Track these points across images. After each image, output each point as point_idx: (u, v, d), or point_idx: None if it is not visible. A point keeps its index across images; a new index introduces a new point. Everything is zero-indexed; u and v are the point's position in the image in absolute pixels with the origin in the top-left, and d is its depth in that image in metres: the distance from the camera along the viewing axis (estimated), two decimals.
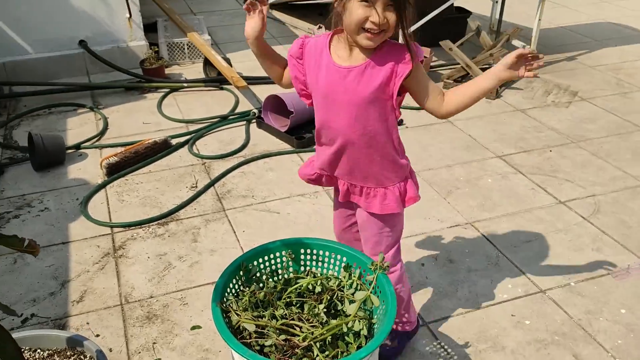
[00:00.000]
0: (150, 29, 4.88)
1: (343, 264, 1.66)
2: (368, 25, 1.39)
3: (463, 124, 3.72)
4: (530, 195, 2.96)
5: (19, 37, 4.03)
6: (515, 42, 4.65)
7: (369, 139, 1.57)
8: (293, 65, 1.59)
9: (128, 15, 4.23)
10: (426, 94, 1.55)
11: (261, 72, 4.39)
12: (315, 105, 1.60)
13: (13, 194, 2.97)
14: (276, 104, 3.58)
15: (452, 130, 3.65)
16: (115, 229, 2.71)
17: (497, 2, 4.89)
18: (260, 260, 1.66)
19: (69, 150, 3.35)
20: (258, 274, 1.67)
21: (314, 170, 1.76)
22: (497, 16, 4.88)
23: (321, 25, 5.29)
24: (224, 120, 3.71)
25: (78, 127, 3.64)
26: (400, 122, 3.71)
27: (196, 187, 3.03)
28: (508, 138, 3.55)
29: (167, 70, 4.39)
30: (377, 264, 1.54)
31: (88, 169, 3.20)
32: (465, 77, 4.28)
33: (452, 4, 4.95)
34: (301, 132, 3.48)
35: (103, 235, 2.67)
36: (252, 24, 1.54)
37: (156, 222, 2.75)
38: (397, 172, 1.65)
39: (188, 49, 4.57)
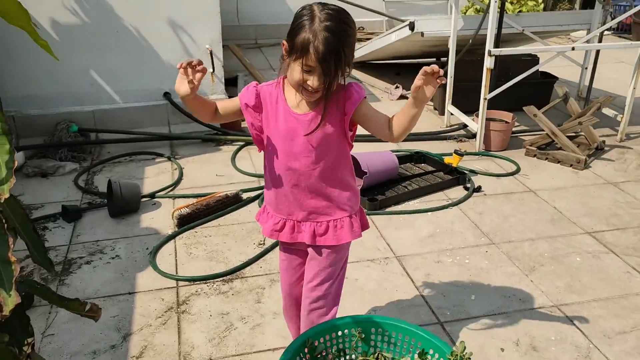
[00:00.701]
0: (231, 83, 5.02)
1: (418, 350, 1.50)
2: (307, 86, 1.54)
3: (548, 195, 3.49)
4: (625, 280, 2.69)
5: (110, 87, 4.23)
6: (606, 111, 4.41)
7: (329, 171, 1.69)
8: (249, 113, 1.68)
9: (211, 70, 4.35)
10: (375, 125, 1.66)
11: None
12: (272, 150, 1.69)
13: (88, 239, 3.02)
14: None
15: (536, 201, 3.43)
16: (181, 283, 2.67)
17: (586, 68, 4.69)
18: (327, 337, 1.54)
19: (144, 199, 3.40)
20: (324, 352, 1.54)
21: (277, 219, 1.79)
22: (586, 83, 4.67)
23: (398, 85, 5.26)
24: None
25: (155, 175, 3.72)
26: (479, 189, 3.54)
27: (264, 244, 2.97)
28: (598, 213, 3.29)
29: (243, 124, 4.45)
30: (457, 354, 1.38)
31: (160, 218, 3.22)
32: (549, 145, 4.07)
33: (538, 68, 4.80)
34: (374, 194, 3.38)
35: (168, 288, 2.64)
36: (183, 86, 1.56)
37: (221, 279, 2.70)
38: (352, 199, 1.77)
39: None
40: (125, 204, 3.21)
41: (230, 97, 4.56)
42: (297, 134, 1.64)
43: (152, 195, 3.44)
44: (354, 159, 3.40)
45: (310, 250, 1.82)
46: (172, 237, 3.03)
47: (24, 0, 3.78)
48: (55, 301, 1.39)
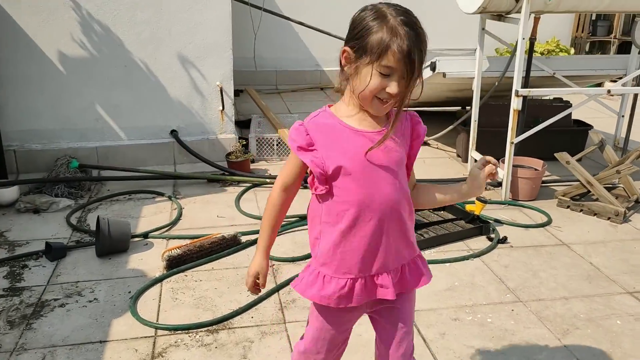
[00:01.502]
0: (245, 125, 4.83)
1: None
2: (383, 95, 1.34)
3: (582, 249, 3.11)
4: None
5: (114, 123, 4.07)
6: None
7: (408, 202, 1.47)
8: (306, 153, 1.41)
9: (221, 108, 4.17)
10: (411, 170, 1.52)
11: None
12: (346, 183, 1.41)
13: (68, 279, 2.75)
14: None
15: (569, 255, 3.05)
16: (160, 332, 2.35)
17: (622, 116, 4.36)
18: None
19: (136, 239, 3.14)
20: None
21: (342, 282, 1.46)
22: (623, 132, 4.33)
23: None
24: (303, 220, 3.38)
25: (152, 215, 3.47)
26: (504, 240, 3.18)
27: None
28: None
29: (253, 165, 4.22)
30: None
31: (150, 260, 2.94)
32: (584, 196, 3.70)
33: (570, 114, 4.49)
34: None
35: (145, 337, 2.33)
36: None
37: (205, 329, 2.37)
38: (414, 232, 1.55)
39: (277, 145, 4.42)
40: (113, 243, 2.95)
41: (240, 138, 4.36)
42: (375, 156, 1.39)
43: (145, 235, 3.18)
44: None
45: (381, 307, 1.54)
46: (159, 280, 2.74)
47: (34, 32, 3.78)
48: None
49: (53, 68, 3.85)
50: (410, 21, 1.30)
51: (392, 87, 1.31)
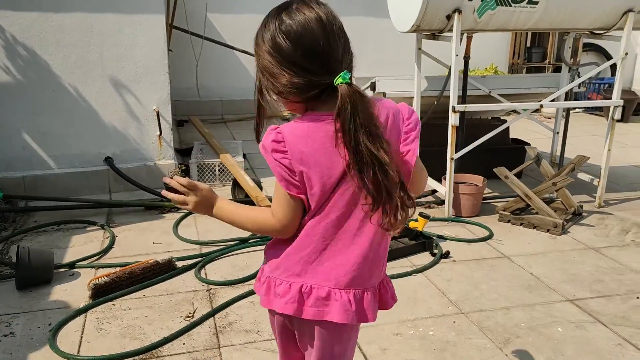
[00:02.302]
0: (188, 153, 4.70)
1: None
2: None
3: (523, 261, 3.10)
4: (616, 352, 2.25)
5: (43, 151, 3.87)
6: (582, 176, 4.12)
7: None
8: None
9: (158, 133, 4.04)
10: None
11: None
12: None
13: None
14: None
15: (510, 267, 3.03)
16: None
17: (557, 132, 4.46)
18: None
19: (61, 269, 2.94)
20: None
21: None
22: (559, 148, 4.43)
23: None
24: (243, 243, 3.26)
25: (82, 244, 3.28)
26: (447, 255, 3.14)
27: (192, 316, 2.51)
28: (580, 279, 2.89)
29: None
30: None
31: (75, 290, 2.75)
32: (524, 210, 3.73)
33: (509, 133, 4.57)
34: None
35: None
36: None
37: (131, 359, 2.20)
38: None
39: (219, 171, 4.30)
40: (34, 274, 2.75)
41: (180, 164, 4.23)
42: None
43: (71, 265, 2.98)
44: None
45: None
46: (83, 310, 2.55)
47: None
48: None
49: None
50: None
51: None
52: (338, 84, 1.18)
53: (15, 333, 2.39)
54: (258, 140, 1.31)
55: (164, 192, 1.37)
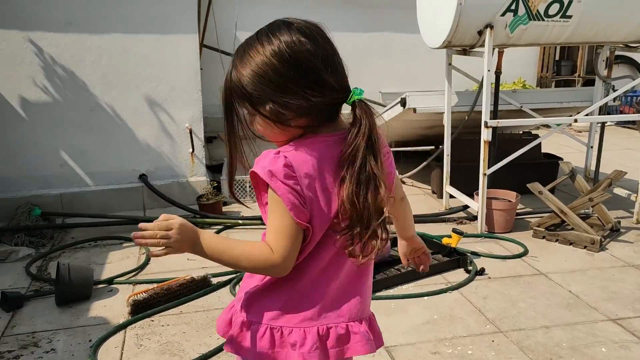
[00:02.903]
0: (218, 170, 4.76)
1: None
2: None
3: (560, 278, 3.05)
4: None
5: (80, 169, 3.96)
6: (618, 191, 4.05)
7: None
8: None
9: (191, 150, 4.10)
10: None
11: None
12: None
13: (24, 330, 2.58)
14: None
15: (547, 284, 2.98)
16: None
17: (592, 147, 4.39)
18: None
19: (100, 285, 2.99)
20: None
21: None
22: (593, 163, 4.36)
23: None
24: None
25: (118, 260, 3.33)
26: (482, 272, 3.11)
27: None
28: (621, 298, 2.83)
29: (225, 208, 4.12)
30: None
31: (114, 306, 2.79)
32: (559, 226, 3.67)
33: (540, 148, 4.52)
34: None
35: None
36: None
37: None
38: None
39: (250, 187, 4.33)
40: (73, 290, 2.80)
41: (212, 180, 4.27)
42: None
43: (109, 281, 3.03)
44: None
45: None
46: (122, 327, 2.58)
47: None
48: None
49: (14, 114, 3.75)
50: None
51: None
52: (353, 101, 1.14)
53: (57, 349, 2.42)
54: (232, 192, 1.24)
55: (139, 242, 1.12)
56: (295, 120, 1.13)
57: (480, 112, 3.79)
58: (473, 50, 3.59)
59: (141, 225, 1.12)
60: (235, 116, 1.18)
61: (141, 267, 3.22)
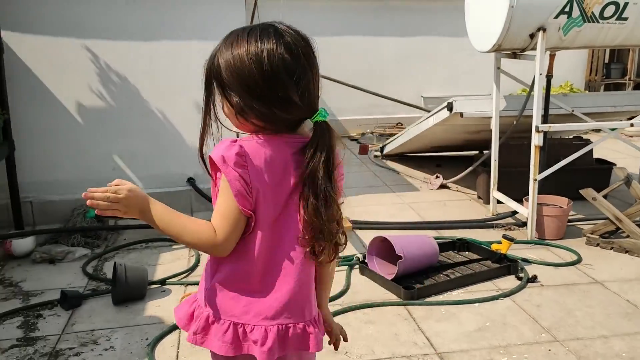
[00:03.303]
0: None
1: None
2: None
3: (617, 287, 2.97)
4: None
5: (131, 172, 4.06)
6: None
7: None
8: None
9: None
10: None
11: (368, 217, 4.02)
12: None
13: (83, 328, 2.66)
14: (384, 248, 3.12)
15: (604, 293, 2.90)
16: None
17: None
18: None
19: (153, 286, 3.06)
20: None
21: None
22: None
23: (439, 175, 4.94)
24: None
25: (170, 262, 3.40)
26: (534, 279, 3.05)
27: None
28: None
29: None
30: None
31: (167, 306, 2.85)
32: (613, 233, 3.57)
33: (592, 153, 4.41)
34: (411, 282, 2.94)
35: None
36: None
37: None
38: None
39: None
40: (129, 290, 2.87)
41: None
42: None
43: (162, 282, 3.09)
44: (387, 241, 3.02)
45: None
46: (177, 327, 2.63)
47: (52, 83, 3.84)
48: None
49: (71, 119, 3.88)
50: None
51: None
52: (317, 121, 1.23)
53: (115, 347, 2.49)
54: (202, 155, 1.32)
55: (90, 202, 1.24)
56: (257, 121, 1.22)
57: (528, 117, 3.73)
58: (524, 53, 3.53)
59: (91, 188, 1.24)
60: (212, 96, 1.27)
61: (191, 269, 3.28)
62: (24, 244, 3.46)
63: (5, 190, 3.71)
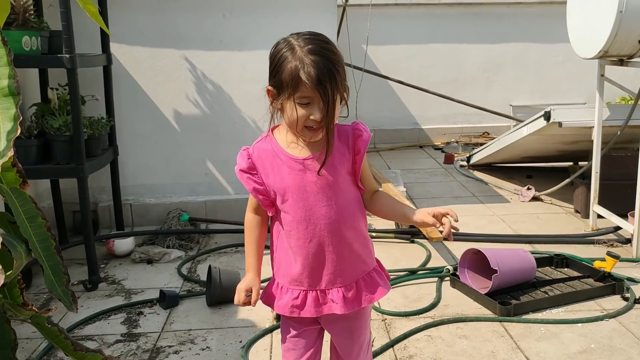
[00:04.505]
0: None
1: None
2: (309, 123, 1.44)
3: None
4: None
5: (222, 178, 4.18)
6: None
7: (350, 222, 1.55)
8: (248, 178, 1.57)
9: None
10: (365, 179, 1.60)
11: (458, 228, 3.91)
12: (285, 208, 1.55)
13: (181, 327, 2.76)
14: (476, 261, 3.03)
15: None
16: None
17: None
18: None
19: None
20: None
21: (296, 292, 1.58)
22: None
23: (530, 186, 4.75)
24: (412, 274, 3.23)
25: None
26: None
27: (372, 345, 2.51)
28: None
29: None
30: None
31: (259, 310, 2.85)
32: None
33: None
34: (506, 297, 2.83)
35: None
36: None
37: None
38: (372, 252, 1.65)
39: None
40: (223, 292, 2.94)
41: None
42: (309, 182, 1.51)
43: None
44: (481, 254, 2.93)
45: (334, 322, 1.62)
46: (269, 330, 2.68)
47: (152, 92, 4.05)
48: (67, 348, 1.06)
49: (168, 126, 4.06)
50: (317, 48, 1.40)
51: (315, 114, 1.41)
52: None
53: (211, 347, 2.56)
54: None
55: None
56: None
57: (634, 127, 3.52)
58: (632, 60, 3.33)
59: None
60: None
61: None
62: (124, 244, 3.65)
63: (109, 192, 3.93)
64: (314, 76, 1.36)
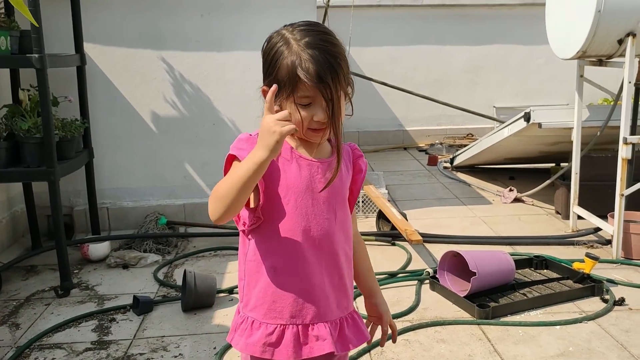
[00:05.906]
0: None
1: None
2: (313, 125, 1.27)
3: None
4: None
5: (202, 180, 4.12)
6: None
7: (345, 241, 1.37)
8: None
9: None
10: (353, 201, 1.43)
11: (438, 230, 3.89)
12: (282, 213, 1.29)
13: (154, 334, 2.70)
14: (456, 264, 3.00)
15: None
16: None
17: None
18: None
19: (221, 294, 3.07)
20: None
21: (271, 327, 1.30)
22: None
23: (512, 188, 4.74)
24: (391, 277, 3.19)
25: (236, 271, 3.39)
26: (621, 302, 2.83)
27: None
28: None
29: None
30: None
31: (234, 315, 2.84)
32: None
33: None
34: (485, 300, 2.80)
35: None
36: (272, 139, 1.20)
37: None
38: (352, 283, 1.44)
39: (363, 202, 4.30)
40: (199, 298, 2.89)
41: None
42: (317, 187, 1.31)
43: (230, 290, 3.10)
44: (460, 256, 2.90)
45: None
46: None
47: (129, 94, 3.98)
48: None
49: (146, 128, 3.99)
50: (315, 40, 1.23)
51: (319, 115, 1.25)
52: None
53: (184, 355, 2.50)
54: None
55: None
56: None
57: (613, 128, 3.51)
58: (610, 60, 3.32)
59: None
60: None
61: None
62: (100, 249, 3.57)
63: (84, 196, 3.85)
64: (313, 73, 1.20)
